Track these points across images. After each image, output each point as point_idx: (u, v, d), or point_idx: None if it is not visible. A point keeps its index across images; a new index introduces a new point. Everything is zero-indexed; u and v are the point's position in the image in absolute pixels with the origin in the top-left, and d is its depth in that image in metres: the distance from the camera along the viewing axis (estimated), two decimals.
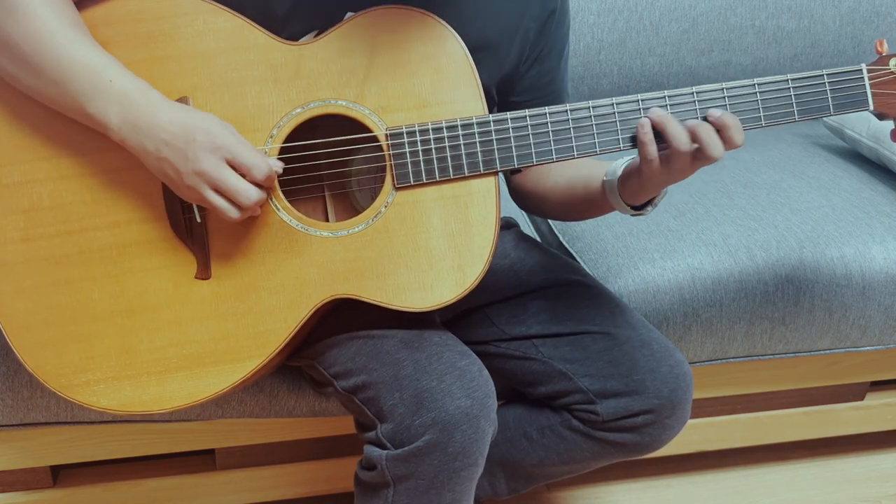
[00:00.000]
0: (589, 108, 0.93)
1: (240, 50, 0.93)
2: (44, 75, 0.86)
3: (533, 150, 0.93)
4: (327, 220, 1.02)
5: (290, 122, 0.94)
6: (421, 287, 0.94)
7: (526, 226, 1.46)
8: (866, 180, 1.56)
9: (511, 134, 0.93)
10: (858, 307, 1.35)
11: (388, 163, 0.94)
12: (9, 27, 0.85)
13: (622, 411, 1.07)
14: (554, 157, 0.94)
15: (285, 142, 0.94)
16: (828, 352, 1.41)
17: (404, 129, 0.93)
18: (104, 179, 0.93)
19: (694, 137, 0.89)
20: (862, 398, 1.55)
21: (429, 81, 0.94)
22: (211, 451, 1.34)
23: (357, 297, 0.94)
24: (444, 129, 0.93)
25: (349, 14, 0.95)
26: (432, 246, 0.94)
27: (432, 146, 0.93)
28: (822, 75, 0.92)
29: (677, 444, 1.28)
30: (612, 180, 0.99)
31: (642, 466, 1.55)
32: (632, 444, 1.09)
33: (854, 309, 1.35)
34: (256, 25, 0.93)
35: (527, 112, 0.93)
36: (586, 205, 1.06)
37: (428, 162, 0.93)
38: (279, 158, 0.93)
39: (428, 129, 0.93)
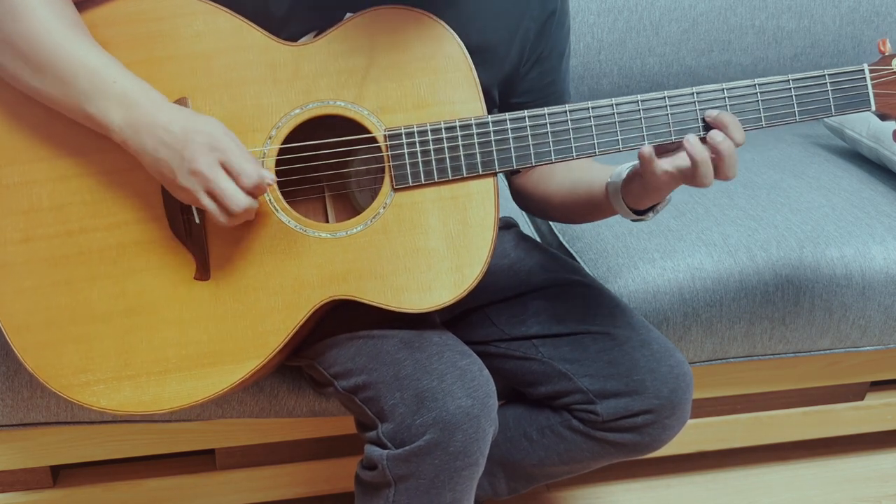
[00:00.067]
0: (588, 108, 0.93)
1: (239, 50, 0.93)
2: (44, 75, 0.86)
3: (532, 151, 0.93)
4: (327, 221, 1.02)
5: (289, 123, 0.94)
6: (419, 288, 0.94)
7: (526, 226, 1.46)
8: (866, 180, 1.56)
9: (510, 135, 0.93)
10: (858, 307, 1.35)
11: (386, 164, 0.94)
12: (8, 27, 0.86)
13: (622, 411, 1.07)
14: (553, 157, 0.93)
15: (284, 142, 0.94)
16: (828, 352, 1.41)
17: (403, 130, 0.93)
18: (104, 180, 0.93)
19: (716, 151, 0.89)
20: (862, 398, 1.55)
21: (428, 82, 0.94)
22: (211, 451, 1.34)
23: (355, 299, 0.94)
24: (443, 130, 0.93)
25: (348, 14, 0.95)
26: (431, 247, 0.94)
27: (431, 147, 0.93)
28: (824, 75, 0.92)
29: (677, 444, 1.28)
30: (616, 183, 0.99)
31: (642, 466, 1.55)
32: (632, 444, 1.09)
33: (854, 309, 1.35)
34: (255, 26, 0.93)
35: (525, 113, 0.93)
36: (589, 207, 1.06)
37: (426, 163, 0.93)
38: (278, 159, 0.93)
39: (426, 130, 0.93)
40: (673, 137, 0.92)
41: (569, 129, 0.93)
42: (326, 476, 1.38)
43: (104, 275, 0.93)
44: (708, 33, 1.74)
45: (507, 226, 1.24)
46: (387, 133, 0.93)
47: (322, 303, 0.94)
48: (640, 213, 0.99)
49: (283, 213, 0.94)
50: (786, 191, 1.49)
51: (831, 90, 0.92)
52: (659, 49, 1.73)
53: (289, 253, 0.94)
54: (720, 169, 0.89)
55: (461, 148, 0.93)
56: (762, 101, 0.92)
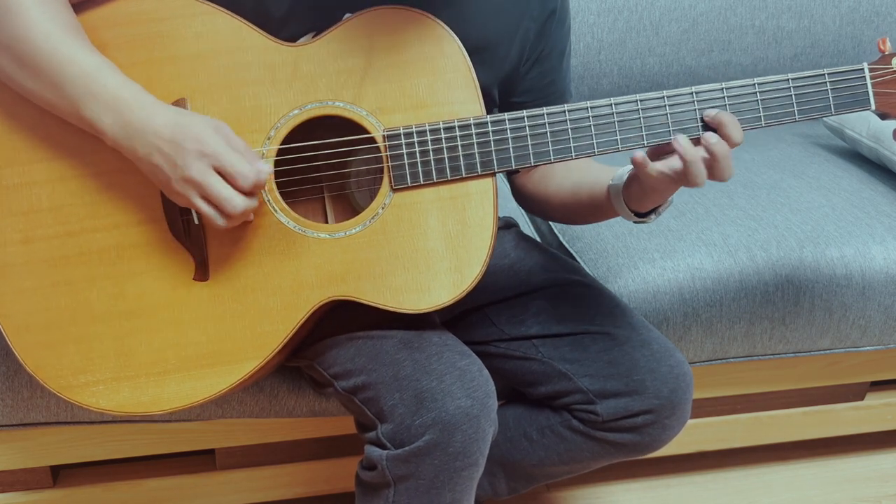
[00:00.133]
0: (587, 108, 0.92)
1: (238, 51, 0.93)
2: (39, 78, 0.86)
3: (531, 152, 0.93)
4: (326, 222, 1.02)
5: (287, 124, 0.93)
6: (418, 289, 0.94)
7: (526, 226, 1.46)
8: (866, 180, 1.56)
9: (509, 135, 0.93)
10: (858, 307, 1.35)
11: (385, 164, 0.94)
12: (3, 29, 0.85)
13: (622, 411, 1.07)
14: (552, 157, 0.93)
15: (283, 143, 0.94)
16: (828, 352, 1.41)
17: (401, 131, 0.93)
18: (103, 181, 0.93)
19: (709, 152, 0.89)
20: (862, 398, 1.55)
21: (426, 82, 0.94)
22: (211, 451, 1.34)
23: (354, 299, 0.94)
24: (442, 131, 0.93)
25: (347, 15, 0.95)
26: (430, 247, 0.94)
27: (429, 147, 0.93)
28: (823, 75, 0.92)
29: (677, 444, 1.28)
30: (618, 185, 0.99)
31: (642, 466, 1.55)
32: (632, 445, 1.09)
33: (854, 309, 1.35)
34: (254, 27, 0.93)
35: (524, 113, 0.93)
36: (590, 209, 1.06)
37: (425, 163, 0.93)
38: (276, 160, 0.93)
39: (425, 131, 0.93)
40: (672, 137, 0.92)
41: (568, 129, 0.93)
42: (326, 476, 1.38)
43: (103, 275, 0.93)
44: (708, 33, 1.74)
45: (507, 226, 1.24)
46: (385, 133, 0.93)
47: (321, 303, 0.94)
48: (641, 215, 0.99)
49: (281, 214, 0.94)
50: (786, 191, 1.49)
51: (831, 89, 0.92)
52: (659, 49, 1.73)
53: (288, 253, 0.94)
54: (714, 170, 0.89)
55: (460, 148, 0.93)
56: (762, 100, 0.92)
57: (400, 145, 0.93)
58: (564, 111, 0.92)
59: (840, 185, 1.53)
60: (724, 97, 0.91)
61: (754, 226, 1.38)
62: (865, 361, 1.47)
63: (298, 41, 0.95)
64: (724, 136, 0.89)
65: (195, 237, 0.93)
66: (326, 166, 1.00)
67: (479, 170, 0.93)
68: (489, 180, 0.94)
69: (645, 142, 0.92)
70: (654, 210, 0.99)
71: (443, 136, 0.93)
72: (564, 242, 1.43)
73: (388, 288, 0.94)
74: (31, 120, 0.92)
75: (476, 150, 0.93)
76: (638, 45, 1.72)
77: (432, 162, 0.93)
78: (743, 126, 0.90)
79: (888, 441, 1.65)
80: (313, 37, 0.96)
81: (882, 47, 0.93)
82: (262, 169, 0.87)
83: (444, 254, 0.94)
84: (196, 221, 0.92)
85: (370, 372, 0.97)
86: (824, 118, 1.63)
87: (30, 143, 0.92)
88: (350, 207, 1.03)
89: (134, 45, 0.92)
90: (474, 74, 0.94)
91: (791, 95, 0.92)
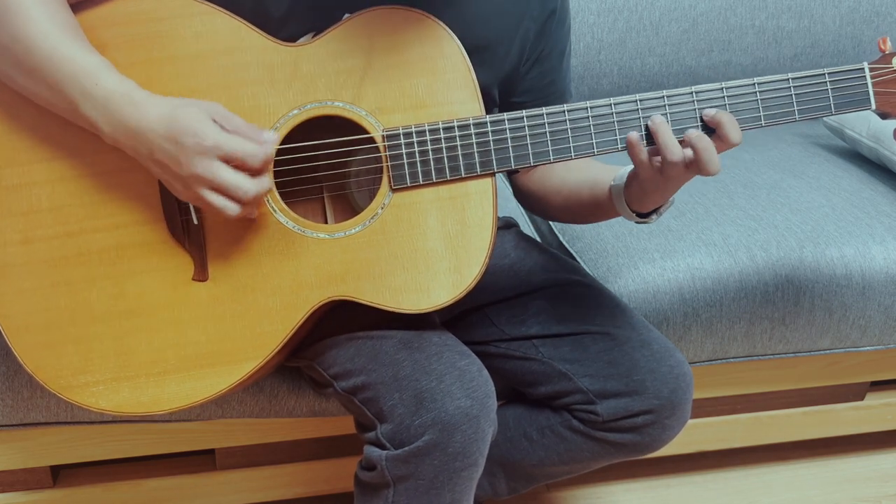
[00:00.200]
0: (587, 108, 0.92)
1: (237, 51, 0.93)
2: (37, 77, 0.86)
3: (530, 152, 0.93)
4: (326, 222, 1.02)
5: (287, 124, 0.93)
6: (417, 289, 0.94)
7: (526, 226, 1.46)
8: (866, 180, 1.56)
9: (508, 135, 0.93)
10: (858, 307, 1.35)
11: (384, 164, 0.94)
12: (2, 28, 0.85)
13: (622, 411, 1.07)
14: (551, 157, 0.93)
15: (283, 143, 0.94)
16: (828, 352, 1.41)
17: (401, 131, 0.93)
18: (102, 181, 0.93)
19: (692, 147, 0.88)
20: (862, 398, 1.55)
21: (426, 82, 0.94)
22: (211, 451, 1.34)
23: (354, 299, 0.94)
24: (441, 131, 0.93)
25: (346, 15, 0.95)
26: (429, 248, 0.94)
27: (429, 147, 0.93)
28: (823, 74, 0.92)
29: (677, 444, 1.28)
30: (619, 185, 0.99)
31: (642, 466, 1.55)
32: (632, 445, 1.09)
33: (854, 309, 1.35)
34: (254, 27, 0.93)
35: (524, 113, 0.93)
36: (592, 209, 1.06)
37: (424, 163, 0.93)
38: (276, 159, 0.93)
39: (424, 131, 0.93)
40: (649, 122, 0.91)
41: (567, 130, 0.93)
42: (326, 476, 1.38)
43: (103, 276, 0.93)
44: (708, 33, 1.74)
45: (507, 226, 1.24)
46: (385, 133, 0.93)
47: (320, 303, 0.94)
48: (643, 215, 0.99)
49: (281, 214, 0.94)
50: (786, 191, 1.49)
51: (831, 89, 0.92)
52: (659, 49, 1.73)
53: (287, 253, 0.94)
54: (699, 164, 0.88)
55: (459, 148, 0.93)
56: (761, 100, 0.92)
57: (399, 145, 0.93)
58: (564, 111, 0.92)
59: (840, 185, 1.53)
60: (723, 97, 0.91)
61: (754, 226, 1.37)
62: (865, 361, 1.47)
63: (298, 41, 0.95)
64: (722, 136, 0.89)
65: (194, 237, 0.93)
66: (326, 166, 1.00)
67: (478, 170, 0.93)
68: (488, 180, 0.94)
69: (644, 142, 0.92)
70: (655, 210, 0.99)
71: (442, 136, 0.93)
72: (564, 242, 1.43)
73: (388, 288, 0.94)
74: (31, 120, 0.92)
75: (475, 151, 0.93)
76: (638, 45, 1.72)
77: (431, 162, 0.93)
78: (743, 126, 0.90)
79: (888, 441, 1.65)
80: (313, 37, 0.96)
81: (882, 47, 0.93)
82: (266, 140, 0.86)
83: (444, 254, 0.94)
84: (195, 221, 0.92)
85: (370, 372, 0.97)
86: (824, 118, 1.63)
87: (30, 143, 0.92)
88: (349, 207, 1.03)
89: (133, 45, 0.92)
90: (474, 75, 0.94)
91: (791, 95, 0.92)
